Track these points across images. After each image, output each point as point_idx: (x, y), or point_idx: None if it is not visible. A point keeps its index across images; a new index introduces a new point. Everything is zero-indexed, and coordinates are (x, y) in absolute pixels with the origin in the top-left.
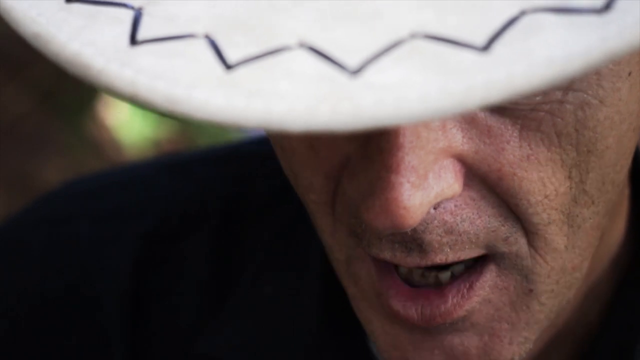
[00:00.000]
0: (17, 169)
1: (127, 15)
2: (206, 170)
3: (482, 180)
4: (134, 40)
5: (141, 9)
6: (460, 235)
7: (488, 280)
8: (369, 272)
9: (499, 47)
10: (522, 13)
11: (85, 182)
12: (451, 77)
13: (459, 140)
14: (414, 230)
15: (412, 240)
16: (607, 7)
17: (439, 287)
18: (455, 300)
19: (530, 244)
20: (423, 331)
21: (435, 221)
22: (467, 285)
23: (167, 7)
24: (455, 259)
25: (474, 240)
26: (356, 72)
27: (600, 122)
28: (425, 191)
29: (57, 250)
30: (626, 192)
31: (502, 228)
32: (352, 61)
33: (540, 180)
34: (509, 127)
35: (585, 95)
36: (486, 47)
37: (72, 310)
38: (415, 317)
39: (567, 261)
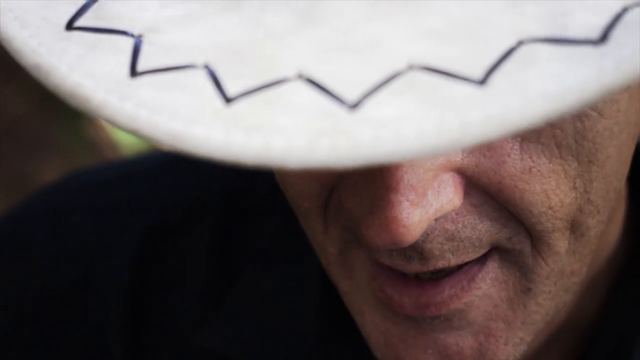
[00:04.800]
0: (16, 170)
1: (128, 44)
2: (208, 165)
3: (483, 190)
4: (134, 71)
5: (141, 36)
6: (462, 241)
7: (490, 272)
8: (364, 261)
9: (496, 80)
10: (520, 43)
11: (87, 175)
12: (448, 113)
13: (458, 155)
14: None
15: (412, 249)
16: (603, 38)
17: (435, 279)
18: (452, 292)
19: (534, 246)
20: (415, 326)
21: (436, 231)
22: (468, 277)
23: (167, 35)
24: (459, 262)
25: (476, 244)
26: (355, 105)
27: (600, 134)
28: (425, 208)
29: (58, 243)
30: (623, 192)
31: (505, 229)
32: (351, 94)
33: (544, 192)
34: (509, 140)
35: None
36: (483, 80)
37: (72, 302)
38: (408, 304)
39: (567, 265)
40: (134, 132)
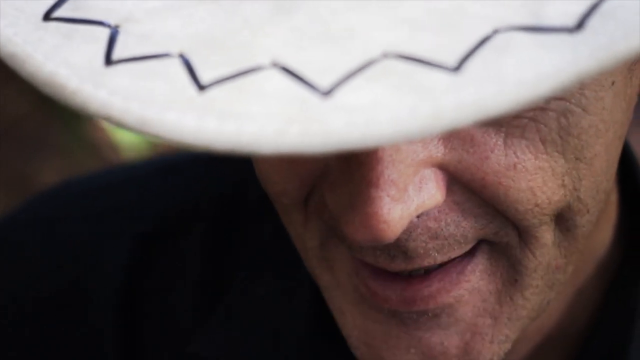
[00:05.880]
0: (16, 171)
1: (104, 34)
2: (200, 171)
3: (466, 186)
4: (109, 60)
5: (118, 26)
6: (447, 238)
7: (479, 264)
8: (345, 255)
9: (470, 67)
10: (495, 31)
11: (81, 182)
12: (421, 99)
13: (440, 150)
14: (397, 239)
15: (396, 247)
16: (579, 26)
17: (423, 274)
18: (441, 285)
19: (521, 238)
20: (399, 324)
21: (419, 229)
22: (458, 270)
23: (143, 25)
24: (445, 259)
25: (462, 241)
26: (327, 92)
27: (585, 130)
28: (406, 204)
29: (53, 250)
30: (613, 197)
31: (491, 225)
32: (324, 82)
33: (530, 189)
34: (493, 135)
35: (567, 104)
36: (457, 67)
37: (72, 303)
38: (394, 298)
39: (552, 258)
40: (106, 119)
